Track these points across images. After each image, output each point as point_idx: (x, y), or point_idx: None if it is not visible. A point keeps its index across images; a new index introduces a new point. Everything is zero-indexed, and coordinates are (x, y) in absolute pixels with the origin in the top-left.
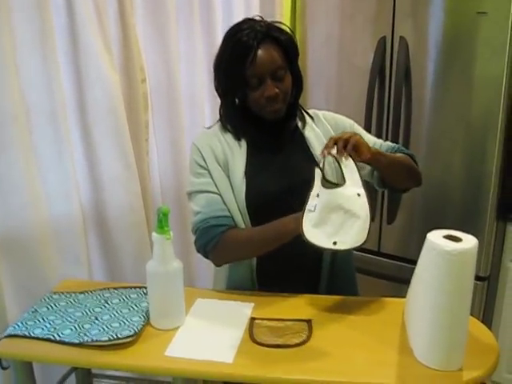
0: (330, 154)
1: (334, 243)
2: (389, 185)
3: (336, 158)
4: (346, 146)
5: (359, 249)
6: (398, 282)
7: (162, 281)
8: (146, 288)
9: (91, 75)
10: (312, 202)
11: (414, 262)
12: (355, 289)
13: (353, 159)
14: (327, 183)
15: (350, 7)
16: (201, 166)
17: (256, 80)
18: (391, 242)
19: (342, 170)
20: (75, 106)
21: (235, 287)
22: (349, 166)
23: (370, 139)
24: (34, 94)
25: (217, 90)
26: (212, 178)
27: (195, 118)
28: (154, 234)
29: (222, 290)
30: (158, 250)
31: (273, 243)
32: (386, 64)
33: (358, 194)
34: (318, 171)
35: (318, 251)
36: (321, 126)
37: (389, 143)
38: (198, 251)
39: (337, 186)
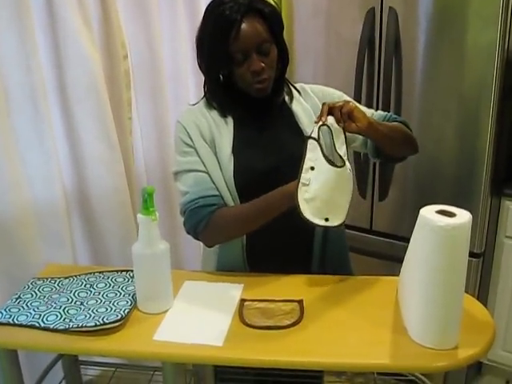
0: (324, 122)
1: (326, 219)
2: (385, 154)
3: (329, 127)
4: (341, 113)
5: (351, 227)
6: (391, 260)
7: (149, 263)
8: (132, 271)
9: (70, 52)
10: (306, 175)
11: (407, 240)
12: (348, 267)
13: (344, 130)
14: (326, 159)
15: None
16: (187, 145)
17: (241, 55)
18: (383, 219)
19: (333, 141)
20: (55, 85)
21: (225, 268)
22: (340, 138)
23: (361, 109)
24: (12, 73)
25: (200, 66)
26: (199, 156)
27: (179, 94)
28: (140, 216)
29: (212, 271)
30: (144, 232)
31: (264, 218)
32: (376, 36)
33: (350, 170)
34: (312, 142)
35: (309, 227)
36: (309, 100)
37: (380, 112)
38: (188, 233)
39: (335, 164)
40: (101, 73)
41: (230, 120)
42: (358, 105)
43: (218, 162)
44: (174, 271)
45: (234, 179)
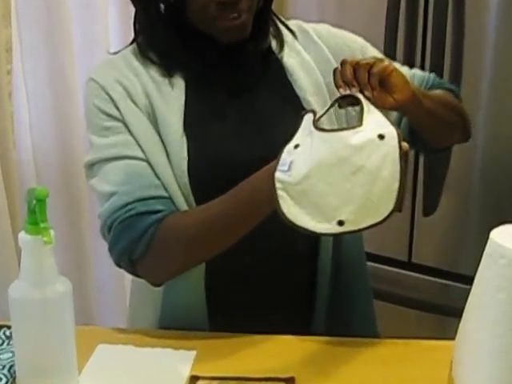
0: (343, 93)
1: (340, 223)
2: (424, 141)
3: (356, 99)
4: (370, 77)
5: (376, 257)
6: (441, 311)
7: (37, 314)
8: (9, 328)
9: None
10: (287, 157)
11: (469, 280)
12: (372, 323)
13: (372, 103)
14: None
15: None
16: (109, 116)
17: None
18: (430, 245)
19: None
20: None
21: (172, 323)
22: (370, 112)
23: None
24: None
25: None
26: (131, 133)
27: (91, 35)
28: (23, 235)
29: (145, 328)
30: (30, 262)
31: (240, 226)
32: None
33: (381, 137)
34: (310, 117)
35: (312, 244)
36: (311, 48)
37: (417, 71)
38: (118, 262)
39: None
40: None
41: (180, 81)
42: (395, 64)
43: (164, 146)
44: (81, 328)
45: (189, 173)
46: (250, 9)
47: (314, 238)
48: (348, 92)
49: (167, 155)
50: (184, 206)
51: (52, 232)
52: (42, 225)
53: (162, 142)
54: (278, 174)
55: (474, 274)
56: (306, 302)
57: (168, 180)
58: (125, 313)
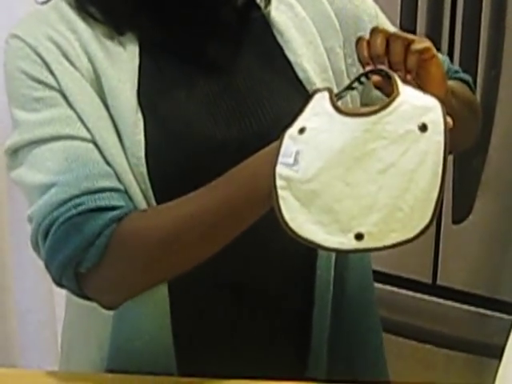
0: (368, 70)
1: (358, 236)
2: None
3: (386, 74)
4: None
5: (389, 277)
6: (475, 350)
7: None
8: None
9: None
10: (291, 146)
11: (510, 307)
12: (380, 365)
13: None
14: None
15: None
16: (41, 83)
17: None
18: (459, 263)
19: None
20: None
21: (123, 365)
22: (405, 93)
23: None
24: None
25: None
26: (71, 105)
27: None
28: None
29: (87, 371)
30: None
31: (223, 231)
32: None
33: (423, 127)
34: (321, 95)
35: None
36: (308, 3)
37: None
38: (59, 278)
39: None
40: None
41: (132, 41)
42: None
43: (113, 123)
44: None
45: (147, 161)
46: None
47: (312, 252)
48: (379, 67)
49: (118, 135)
50: (143, 204)
51: None
52: None
53: (111, 117)
54: (279, 168)
55: None
56: (301, 337)
57: (121, 168)
58: (56, 351)
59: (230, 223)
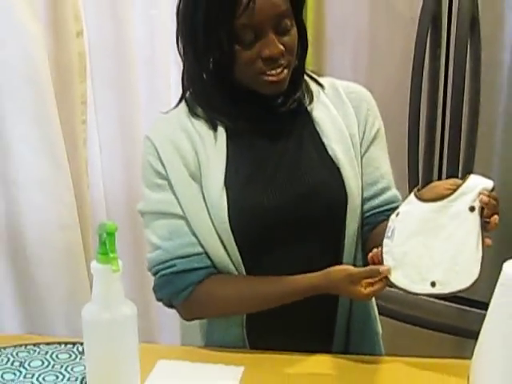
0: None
1: (433, 284)
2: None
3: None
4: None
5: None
6: (460, 333)
7: (106, 334)
8: (81, 344)
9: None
10: (391, 224)
11: (484, 306)
12: (376, 343)
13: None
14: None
15: None
16: (158, 174)
17: (251, 33)
18: None
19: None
20: None
21: (217, 342)
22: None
23: (381, 166)
24: None
25: (183, 48)
26: (174, 192)
27: (156, 90)
28: (95, 264)
29: (197, 346)
30: (101, 288)
31: (275, 304)
32: (443, 11)
33: (472, 209)
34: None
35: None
36: (339, 106)
37: (391, 193)
38: (159, 300)
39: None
40: (43, 54)
41: (222, 133)
42: (381, 153)
43: (205, 201)
44: (144, 346)
45: (231, 225)
46: (289, 65)
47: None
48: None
49: (208, 211)
50: (224, 258)
51: (120, 262)
52: (111, 255)
53: (204, 198)
54: (384, 240)
55: (489, 301)
56: (328, 328)
57: (206, 233)
58: (179, 333)
59: (281, 301)
